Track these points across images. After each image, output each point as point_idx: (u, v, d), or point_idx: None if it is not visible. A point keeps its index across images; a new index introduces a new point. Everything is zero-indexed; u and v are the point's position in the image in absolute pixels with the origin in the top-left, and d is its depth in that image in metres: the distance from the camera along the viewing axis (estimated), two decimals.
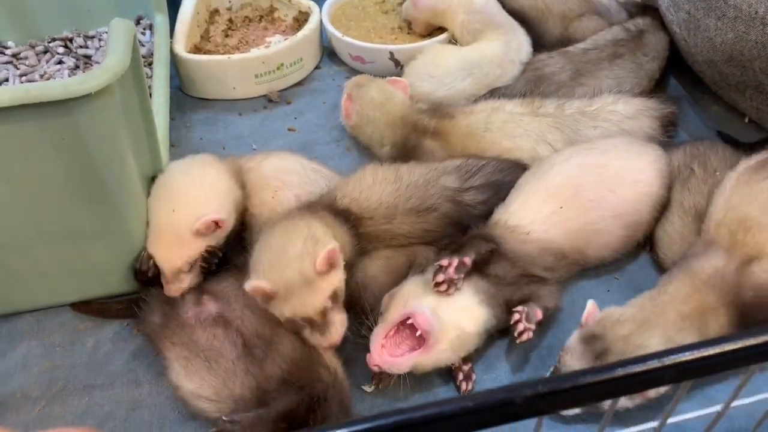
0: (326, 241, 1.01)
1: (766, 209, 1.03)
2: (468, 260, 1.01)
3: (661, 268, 1.20)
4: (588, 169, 1.17)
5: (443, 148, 1.32)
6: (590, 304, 1.00)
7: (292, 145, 1.51)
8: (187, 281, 1.10)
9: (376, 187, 1.12)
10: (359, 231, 1.11)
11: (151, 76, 1.52)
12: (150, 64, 1.58)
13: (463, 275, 1.01)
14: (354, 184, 1.14)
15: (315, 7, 1.74)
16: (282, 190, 1.19)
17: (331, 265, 1.00)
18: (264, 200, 1.19)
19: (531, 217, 1.11)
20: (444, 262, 1.01)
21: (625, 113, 1.34)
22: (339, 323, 1.01)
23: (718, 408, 0.66)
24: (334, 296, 1.01)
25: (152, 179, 1.23)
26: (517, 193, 1.16)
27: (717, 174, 1.21)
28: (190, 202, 1.13)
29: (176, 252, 1.09)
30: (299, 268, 0.98)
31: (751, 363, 0.55)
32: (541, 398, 0.49)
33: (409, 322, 0.99)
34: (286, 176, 1.22)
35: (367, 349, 1.09)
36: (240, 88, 1.61)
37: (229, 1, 1.81)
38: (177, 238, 1.10)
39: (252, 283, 0.98)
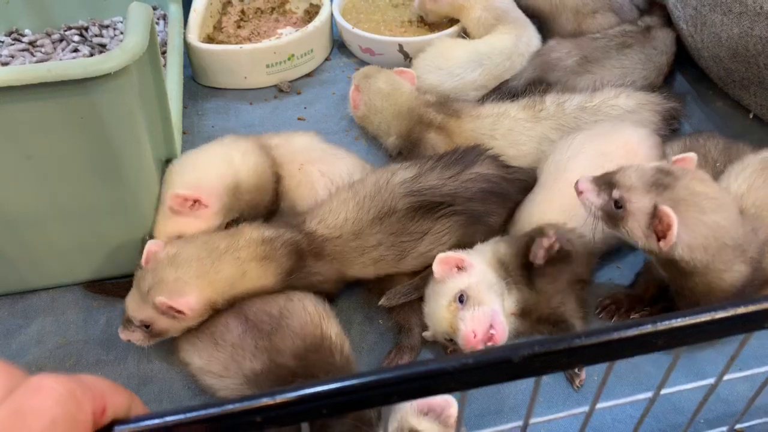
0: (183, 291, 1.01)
1: None
2: None
3: None
4: (598, 157, 1.19)
5: (447, 144, 1.35)
6: (691, 155, 1.01)
7: None
8: None
9: (341, 206, 1.13)
10: (325, 252, 1.11)
11: (165, 65, 1.55)
12: (164, 53, 1.61)
13: None
14: (323, 207, 1.15)
15: None
16: (308, 164, 1.25)
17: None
18: (292, 173, 1.26)
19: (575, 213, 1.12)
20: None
21: (626, 107, 1.36)
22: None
23: (711, 381, 0.68)
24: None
25: (167, 162, 1.27)
26: (549, 190, 1.19)
27: (717, 165, 1.23)
28: (179, 180, 1.19)
29: (166, 226, 1.16)
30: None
31: (743, 331, 0.57)
32: (537, 358, 0.52)
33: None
34: (311, 152, 1.28)
35: (374, 339, 1.13)
36: (251, 78, 1.64)
37: None
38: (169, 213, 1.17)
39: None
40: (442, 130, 1.37)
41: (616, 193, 0.97)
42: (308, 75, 1.72)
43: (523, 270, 1.07)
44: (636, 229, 0.96)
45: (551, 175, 1.22)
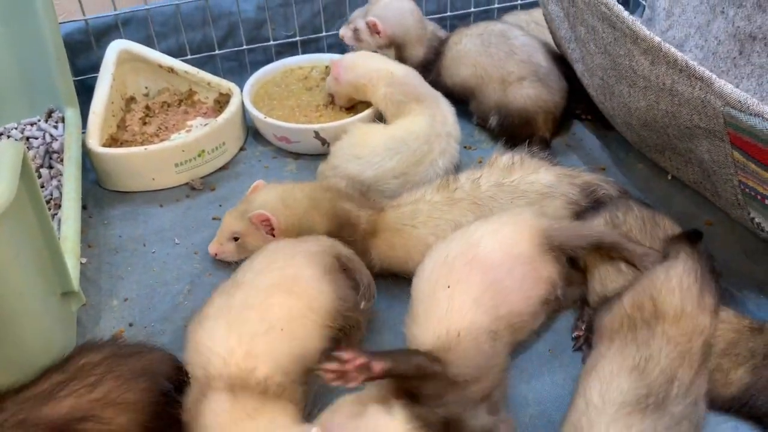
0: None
1: None
2: (379, 367, 0.93)
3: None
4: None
5: (373, 244, 1.30)
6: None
7: None
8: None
9: None
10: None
11: (62, 175, 1.45)
12: (62, 161, 1.51)
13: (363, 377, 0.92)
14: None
15: (236, 88, 1.70)
16: None
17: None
18: None
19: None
20: (347, 356, 0.91)
21: (545, 182, 1.33)
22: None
23: None
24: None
25: (63, 295, 1.16)
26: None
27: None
28: None
29: None
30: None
31: None
32: None
33: None
34: None
35: None
36: (159, 179, 1.56)
37: (146, 88, 1.75)
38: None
39: None
40: (371, 232, 1.30)
41: None
42: (222, 168, 1.64)
43: None
44: None
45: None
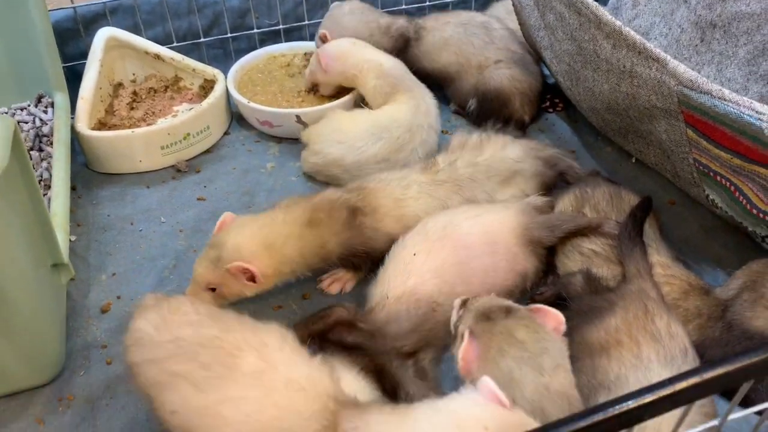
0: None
1: None
2: None
3: None
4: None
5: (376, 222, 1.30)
6: (548, 311, 0.94)
7: (203, 215, 1.51)
8: None
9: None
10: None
11: (52, 157, 1.50)
12: (52, 144, 1.56)
13: None
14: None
15: (220, 75, 1.76)
16: None
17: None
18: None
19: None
20: None
21: (515, 157, 1.39)
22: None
23: (715, 422, 0.66)
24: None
25: (53, 266, 1.22)
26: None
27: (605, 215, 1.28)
28: None
29: None
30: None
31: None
32: None
33: None
34: None
35: None
36: (146, 161, 1.61)
37: (133, 74, 1.81)
38: None
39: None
40: (369, 212, 1.30)
41: (460, 312, 0.98)
42: (207, 152, 1.70)
43: None
44: (456, 352, 0.91)
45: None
